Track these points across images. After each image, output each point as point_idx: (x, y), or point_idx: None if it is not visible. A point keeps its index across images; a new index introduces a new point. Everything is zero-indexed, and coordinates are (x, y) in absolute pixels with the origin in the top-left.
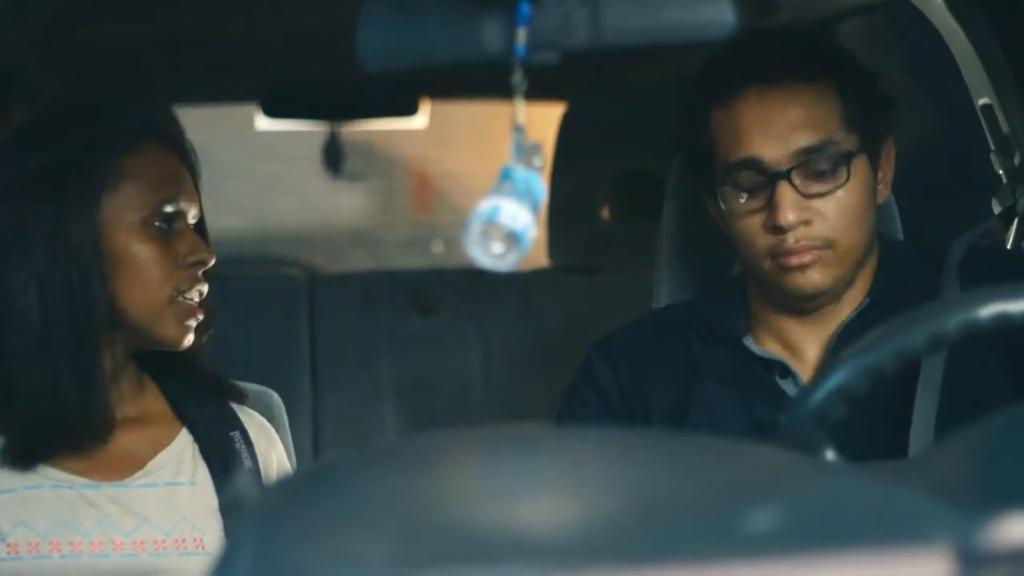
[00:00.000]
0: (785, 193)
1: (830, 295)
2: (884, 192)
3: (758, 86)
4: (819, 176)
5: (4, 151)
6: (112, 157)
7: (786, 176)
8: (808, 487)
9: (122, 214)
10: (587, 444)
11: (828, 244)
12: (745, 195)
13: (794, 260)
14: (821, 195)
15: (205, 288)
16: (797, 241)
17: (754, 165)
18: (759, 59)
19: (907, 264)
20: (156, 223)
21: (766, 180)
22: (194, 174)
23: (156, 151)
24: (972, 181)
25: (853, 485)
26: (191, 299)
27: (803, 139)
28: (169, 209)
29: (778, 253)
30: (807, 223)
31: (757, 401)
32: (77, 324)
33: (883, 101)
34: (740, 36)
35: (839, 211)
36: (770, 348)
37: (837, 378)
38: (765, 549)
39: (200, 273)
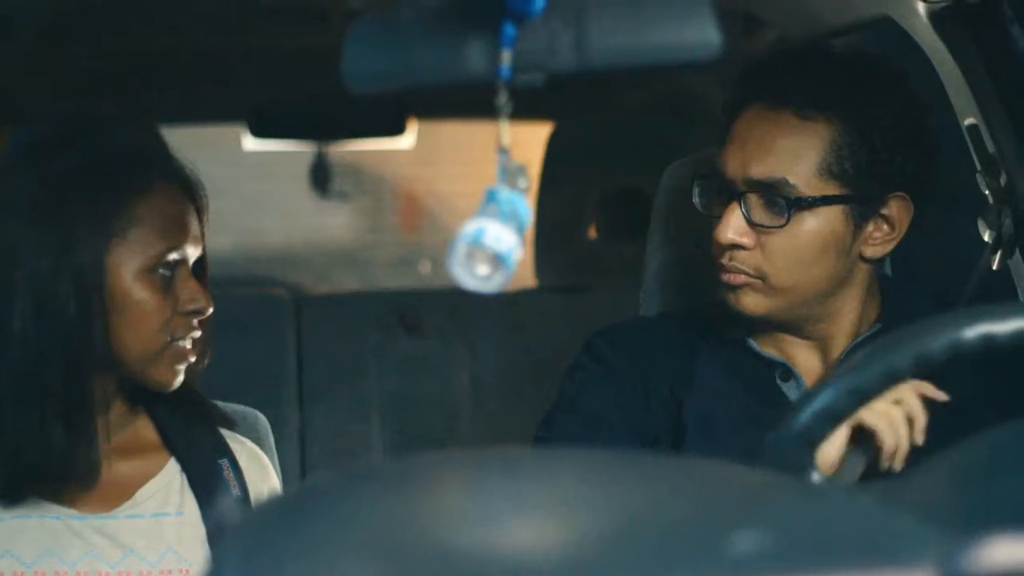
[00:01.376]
0: (731, 211)
1: (798, 322)
2: (883, 249)
3: (760, 105)
4: (770, 208)
5: (9, 173)
6: (125, 199)
7: (737, 197)
8: (793, 508)
9: (127, 258)
10: (574, 466)
11: (759, 275)
12: (709, 198)
13: (725, 278)
14: (765, 227)
15: (199, 334)
16: (731, 260)
17: (719, 175)
18: (779, 78)
19: (914, 294)
20: (160, 270)
21: (727, 193)
22: (201, 213)
23: (168, 193)
24: (958, 202)
25: (838, 506)
26: (184, 345)
27: (761, 170)
28: (174, 257)
29: (720, 266)
30: (745, 248)
31: (755, 398)
32: (70, 366)
33: (903, 158)
34: (793, 50)
35: (778, 250)
36: (778, 348)
37: (823, 399)
38: (750, 571)
39: (196, 322)
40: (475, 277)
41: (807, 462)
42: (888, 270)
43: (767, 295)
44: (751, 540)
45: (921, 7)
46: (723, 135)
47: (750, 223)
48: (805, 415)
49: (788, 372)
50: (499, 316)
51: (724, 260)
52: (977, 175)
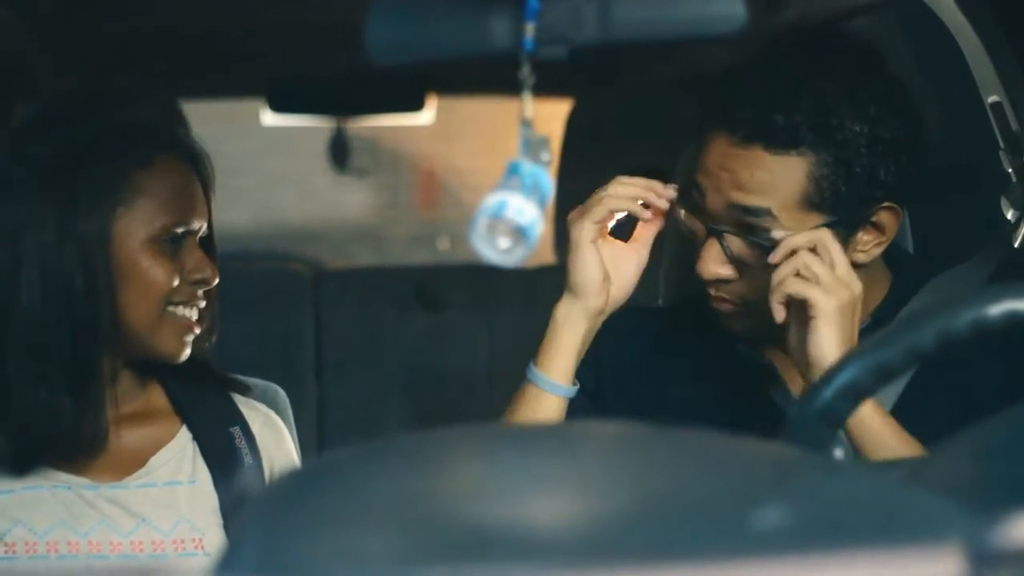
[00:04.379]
0: (710, 247)
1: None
2: (873, 253)
3: (728, 137)
4: (751, 246)
5: (14, 148)
6: (129, 170)
7: (716, 233)
8: (817, 485)
9: (133, 229)
10: (593, 441)
11: (746, 303)
12: (691, 220)
13: (714, 304)
14: (747, 256)
15: (203, 304)
16: (717, 290)
17: (697, 203)
18: (746, 114)
19: (919, 284)
20: (166, 241)
21: (706, 226)
22: (207, 186)
23: (172, 165)
24: (982, 180)
25: (862, 483)
26: (187, 315)
27: (741, 199)
28: (180, 229)
29: (707, 293)
30: (727, 281)
31: (741, 403)
32: (77, 337)
33: (885, 172)
34: (753, 66)
35: (760, 278)
36: (767, 352)
37: (846, 375)
38: (774, 548)
39: (201, 292)
40: (496, 250)
41: (830, 439)
42: (910, 246)
43: (756, 318)
44: (774, 516)
45: None
46: (697, 159)
47: (730, 259)
48: (828, 392)
49: (775, 377)
50: (517, 292)
51: (711, 291)
52: (1000, 153)
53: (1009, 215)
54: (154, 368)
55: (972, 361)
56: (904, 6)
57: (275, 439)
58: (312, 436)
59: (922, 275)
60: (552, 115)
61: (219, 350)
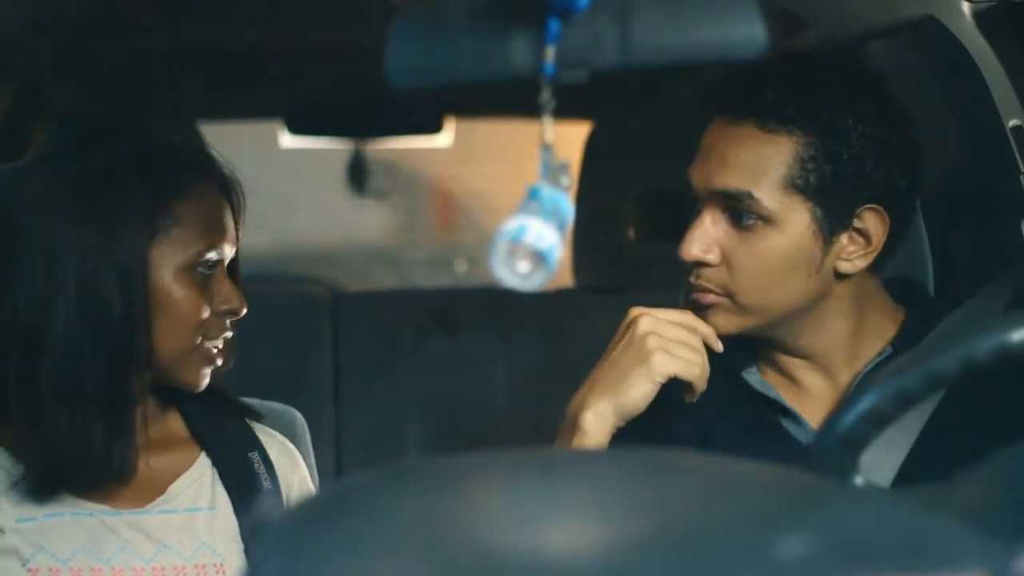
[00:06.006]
0: (696, 226)
1: (778, 339)
2: (859, 264)
3: (723, 118)
4: (733, 224)
5: (49, 169)
6: (168, 198)
7: (699, 209)
8: (840, 512)
9: (169, 257)
10: (615, 467)
11: (727, 293)
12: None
13: (694, 297)
14: (730, 241)
15: (230, 334)
16: (697, 279)
17: (691, 186)
18: (740, 91)
19: (935, 316)
20: (199, 269)
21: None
22: (236, 213)
23: (207, 193)
24: (1002, 205)
25: (885, 510)
26: (216, 345)
27: (722, 182)
28: (212, 256)
29: (689, 286)
30: (710, 265)
31: (757, 439)
32: (112, 365)
33: (872, 168)
34: (759, 61)
35: (743, 267)
36: (773, 382)
37: (867, 402)
38: (796, 575)
39: (228, 322)
40: (515, 274)
41: (851, 465)
42: (931, 280)
43: (737, 314)
44: (797, 543)
45: (966, 7)
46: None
47: (715, 237)
48: (850, 418)
49: (786, 408)
50: (536, 315)
51: (692, 279)
52: (1021, 177)
53: None
54: (173, 395)
55: (997, 388)
56: (925, 30)
57: (290, 466)
58: (330, 459)
59: (939, 304)
60: (570, 138)
61: (237, 373)
